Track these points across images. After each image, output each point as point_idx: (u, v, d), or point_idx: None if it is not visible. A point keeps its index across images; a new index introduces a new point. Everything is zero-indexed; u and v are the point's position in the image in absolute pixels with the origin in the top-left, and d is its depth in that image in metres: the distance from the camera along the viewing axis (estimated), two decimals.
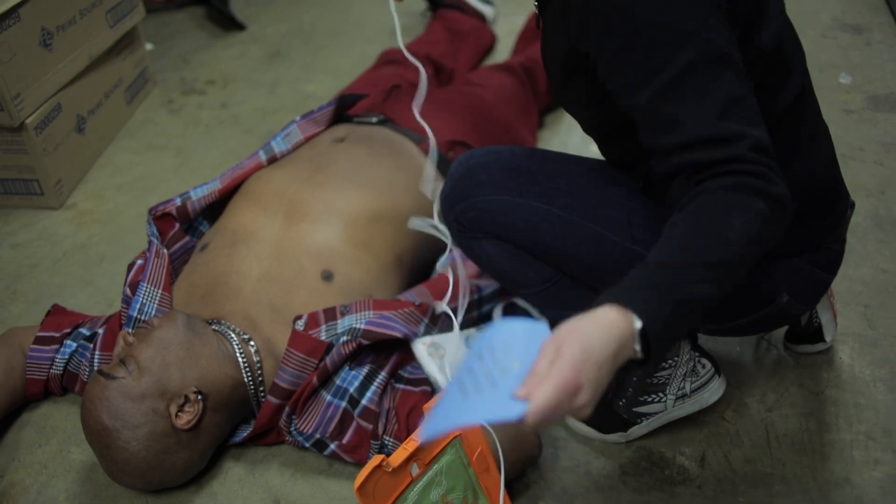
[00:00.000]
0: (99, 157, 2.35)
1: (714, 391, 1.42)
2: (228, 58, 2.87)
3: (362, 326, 1.40)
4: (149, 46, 2.82)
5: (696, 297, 0.90)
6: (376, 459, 1.08)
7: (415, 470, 1.15)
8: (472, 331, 1.43)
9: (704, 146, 0.97)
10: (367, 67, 2.36)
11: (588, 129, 1.30)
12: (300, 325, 1.40)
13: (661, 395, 1.41)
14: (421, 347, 1.38)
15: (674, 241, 0.94)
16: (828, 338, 1.52)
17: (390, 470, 1.09)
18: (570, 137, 2.25)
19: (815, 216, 1.23)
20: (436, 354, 1.35)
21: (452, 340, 1.38)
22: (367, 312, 1.43)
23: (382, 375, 1.41)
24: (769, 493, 1.35)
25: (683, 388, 1.40)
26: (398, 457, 1.11)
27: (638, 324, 0.87)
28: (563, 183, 1.28)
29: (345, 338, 1.39)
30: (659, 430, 1.46)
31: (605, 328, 0.86)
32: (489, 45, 2.66)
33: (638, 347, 0.88)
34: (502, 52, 2.68)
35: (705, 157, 0.97)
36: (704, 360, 1.42)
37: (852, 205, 1.32)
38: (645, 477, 1.40)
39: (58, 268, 1.96)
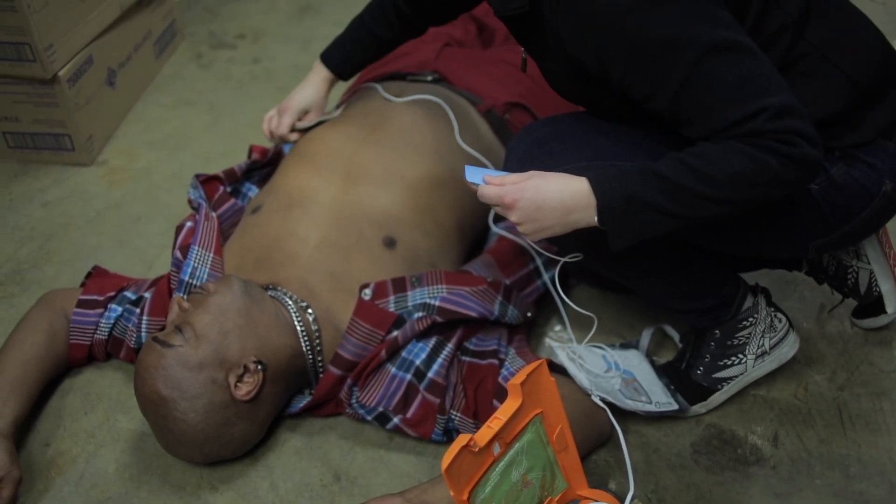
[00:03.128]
0: (128, 113, 2.27)
1: (791, 345, 1.42)
2: (257, 11, 2.77)
3: (437, 303, 1.34)
4: None
5: (650, 202, 1.07)
6: (463, 439, 1.02)
7: (496, 449, 1.09)
8: (606, 348, 1.46)
9: (725, 132, 1.04)
10: None
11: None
12: (367, 294, 1.34)
13: (740, 356, 1.39)
14: (562, 354, 1.36)
15: (669, 158, 1.08)
16: (889, 309, 1.48)
17: (476, 450, 1.04)
18: None
19: (881, 92, 1.21)
20: (576, 360, 1.36)
21: (588, 352, 1.42)
22: (439, 287, 1.37)
23: (449, 347, 1.35)
24: (846, 474, 1.31)
25: (763, 345, 1.39)
26: (484, 436, 1.05)
27: (594, 200, 1.09)
28: (641, 139, 1.23)
29: (419, 313, 1.33)
30: (728, 408, 1.42)
31: (566, 186, 1.11)
32: None
33: (596, 219, 1.10)
34: None
35: (731, 136, 1.05)
36: (780, 315, 1.42)
37: None
38: (717, 456, 1.35)
39: (92, 227, 1.89)
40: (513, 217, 1.14)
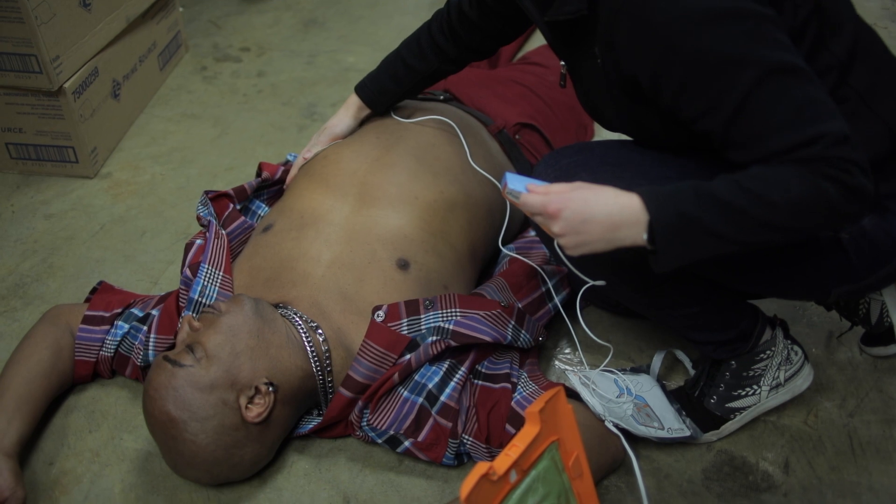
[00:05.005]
0: (132, 125, 2.26)
1: (806, 378, 1.41)
2: (262, 24, 2.77)
3: (451, 327, 1.33)
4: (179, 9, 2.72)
5: (704, 223, 1.01)
6: (482, 467, 1.01)
7: (513, 476, 1.08)
8: (618, 373, 1.45)
9: (782, 155, 1.01)
10: None
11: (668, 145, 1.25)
12: (380, 315, 1.33)
13: (755, 387, 1.38)
14: (575, 378, 1.35)
15: (722, 179, 1.03)
16: None
17: (495, 478, 1.03)
18: None
19: None
20: (589, 385, 1.34)
21: (600, 376, 1.40)
22: (453, 310, 1.35)
23: (462, 371, 1.33)
24: (857, 502, 1.30)
25: (778, 377, 1.39)
26: (503, 464, 1.04)
27: (645, 216, 1.03)
28: (670, 170, 1.21)
29: (433, 337, 1.32)
30: (739, 434, 1.41)
31: (615, 200, 1.05)
32: None
33: (645, 237, 1.04)
34: None
35: (787, 161, 1.01)
36: (796, 347, 1.41)
37: None
38: (728, 483, 1.34)
39: (96, 241, 1.87)
40: (555, 228, 1.08)
